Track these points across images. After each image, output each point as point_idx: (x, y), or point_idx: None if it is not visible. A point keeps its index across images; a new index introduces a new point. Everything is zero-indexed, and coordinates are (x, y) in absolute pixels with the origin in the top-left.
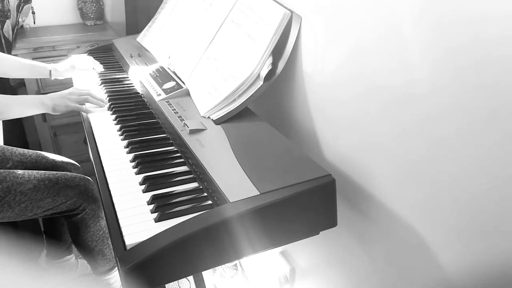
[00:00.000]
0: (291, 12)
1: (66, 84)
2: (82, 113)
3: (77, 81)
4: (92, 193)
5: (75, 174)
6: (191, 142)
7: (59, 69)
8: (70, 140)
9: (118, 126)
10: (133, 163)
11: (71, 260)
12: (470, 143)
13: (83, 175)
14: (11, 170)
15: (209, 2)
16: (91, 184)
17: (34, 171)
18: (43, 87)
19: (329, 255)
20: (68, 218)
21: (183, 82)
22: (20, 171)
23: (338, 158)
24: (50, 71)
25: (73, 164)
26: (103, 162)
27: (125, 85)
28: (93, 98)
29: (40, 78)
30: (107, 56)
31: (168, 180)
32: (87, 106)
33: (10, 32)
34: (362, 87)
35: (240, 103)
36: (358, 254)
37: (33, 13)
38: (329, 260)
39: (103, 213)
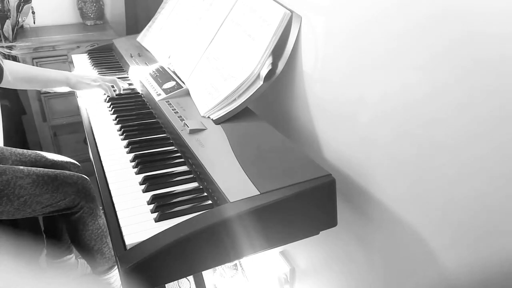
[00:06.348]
0: (291, 12)
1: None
2: (82, 112)
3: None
4: (90, 192)
5: (73, 172)
6: (191, 142)
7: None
8: (70, 140)
9: (118, 126)
10: (133, 163)
11: (71, 260)
12: (471, 143)
13: (81, 174)
14: (11, 166)
15: (209, 2)
16: (88, 183)
17: (34, 168)
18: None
19: (329, 255)
20: (66, 217)
21: (183, 82)
22: (19, 167)
23: (338, 158)
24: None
25: (73, 163)
26: (103, 162)
27: None
28: (119, 83)
29: None
30: (107, 56)
31: (168, 180)
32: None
33: (10, 32)
34: (362, 86)
35: (240, 103)
36: (358, 254)
37: (33, 13)
38: (329, 260)
39: (101, 212)
